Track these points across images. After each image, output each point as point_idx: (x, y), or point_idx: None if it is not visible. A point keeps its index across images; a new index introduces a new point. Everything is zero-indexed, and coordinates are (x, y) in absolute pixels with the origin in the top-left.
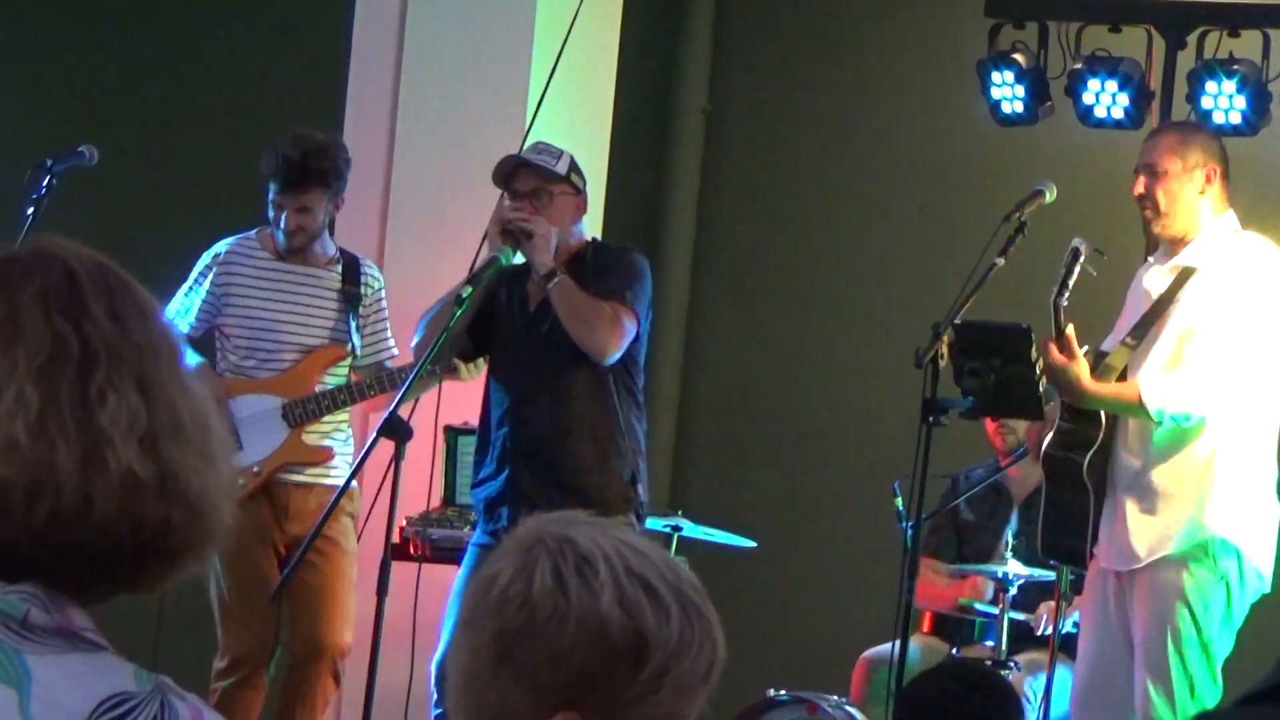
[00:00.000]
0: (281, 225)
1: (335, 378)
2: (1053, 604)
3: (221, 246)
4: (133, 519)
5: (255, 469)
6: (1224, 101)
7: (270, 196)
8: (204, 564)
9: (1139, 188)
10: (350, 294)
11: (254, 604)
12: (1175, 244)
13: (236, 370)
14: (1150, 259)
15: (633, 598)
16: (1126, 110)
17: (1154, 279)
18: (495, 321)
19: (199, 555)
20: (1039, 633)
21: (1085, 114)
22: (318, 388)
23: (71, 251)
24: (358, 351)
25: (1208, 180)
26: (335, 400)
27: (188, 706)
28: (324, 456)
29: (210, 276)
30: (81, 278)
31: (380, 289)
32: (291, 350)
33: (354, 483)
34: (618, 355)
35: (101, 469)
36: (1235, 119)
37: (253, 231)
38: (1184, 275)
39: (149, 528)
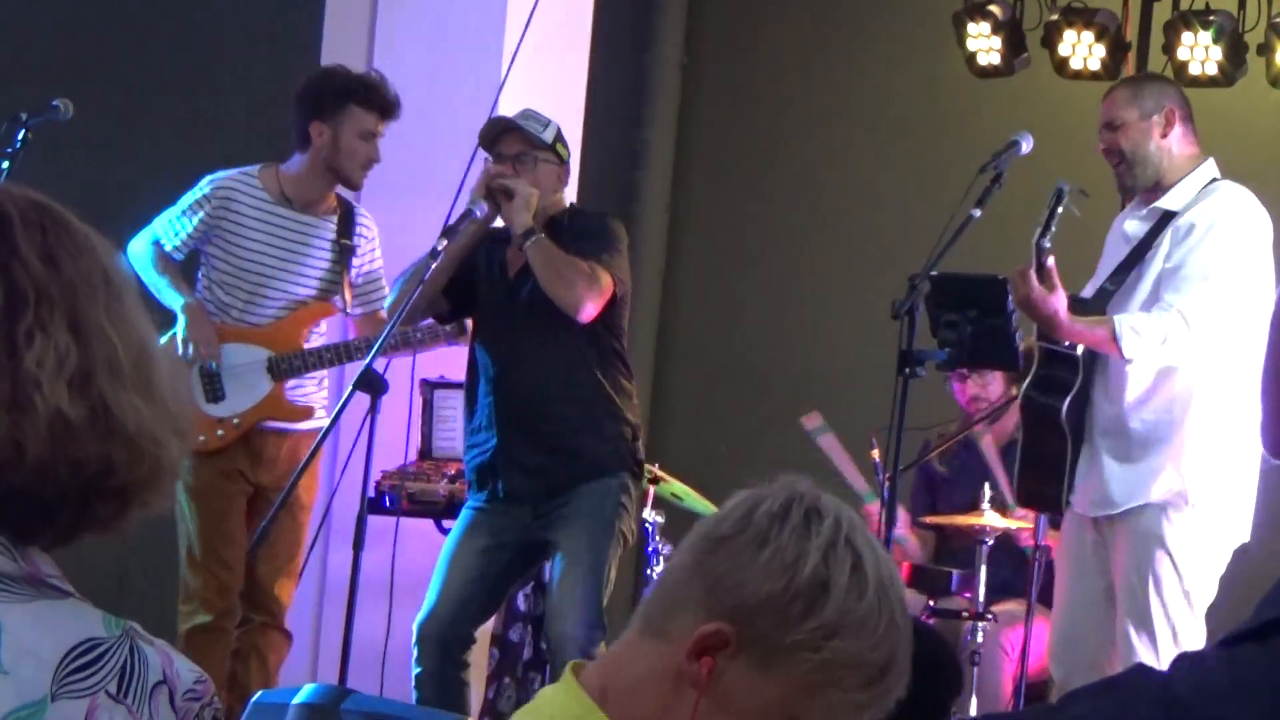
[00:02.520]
0: (373, 157)
1: (319, 332)
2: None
3: (222, 176)
4: (69, 461)
5: (235, 420)
6: (1200, 53)
7: (349, 124)
8: (164, 501)
9: (1102, 144)
10: (345, 247)
11: (221, 550)
12: (1154, 190)
13: (220, 307)
14: (1129, 206)
15: (839, 557)
16: (1103, 61)
17: (1133, 224)
18: (475, 288)
19: (154, 493)
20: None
21: (1061, 65)
22: (305, 344)
23: (6, 194)
24: (347, 309)
25: (1168, 123)
26: (322, 359)
27: (157, 651)
28: (303, 415)
29: (207, 208)
30: (13, 219)
31: (374, 237)
32: (280, 299)
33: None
34: (594, 311)
35: (29, 412)
36: (1211, 70)
37: (253, 167)
38: (1163, 219)
39: (89, 468)
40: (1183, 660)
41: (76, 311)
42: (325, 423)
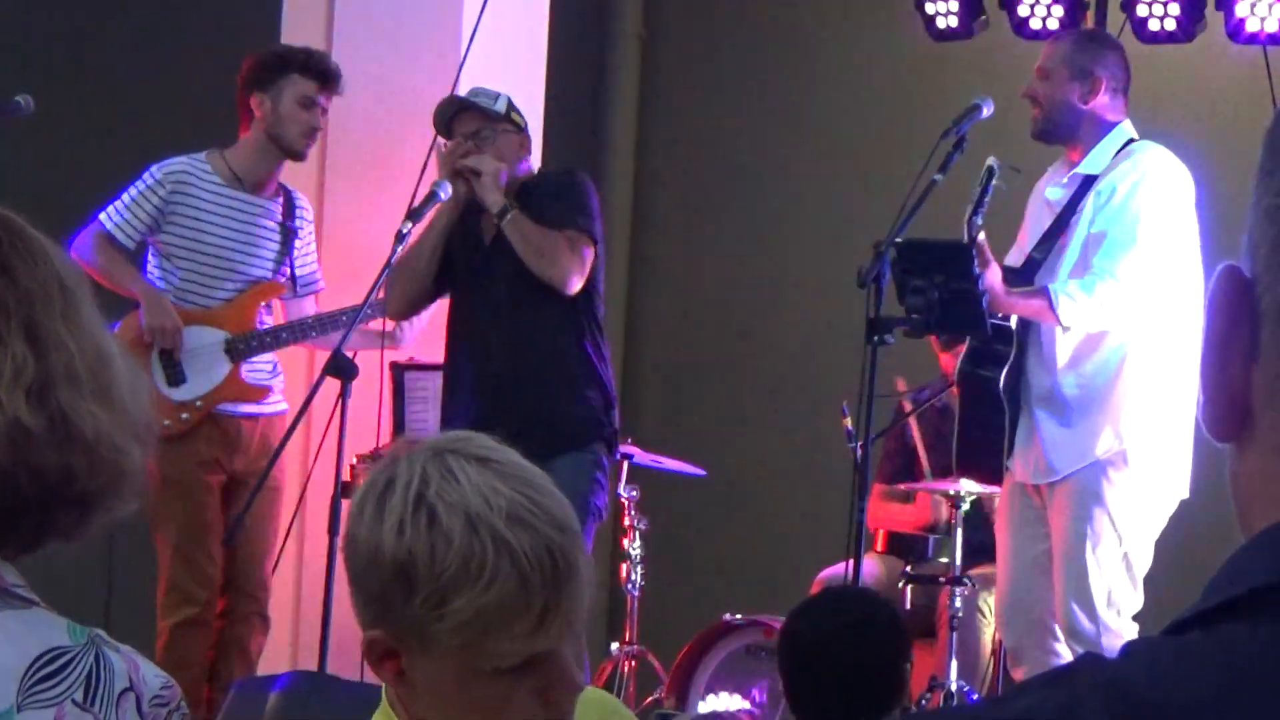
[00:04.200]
0: (314, 125)
1: (275, 315)
2: None
3: (170, 163)
4: (29, 469)
5: (198, 403)
6: (1159, 9)
7: (289, 93)
8: (128, 507)
9: (1027, 87)
10: (288, 229)
11: (198, 539)
12: (1069, 149)
13: (179, 293)
14: (1049, 170)
15: (414, 522)
16: (1062, 20)
17: (1055, 191)
18: (450, 260)
19: (117, 499)
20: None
21: (1020, 26)
22: (258, 324)
23: None
24: (297, 287)
25: (1093, 90)
26: (278, 338)
27: (123, 658)
28: (260, 394)
29: (160, 193)
30: None
31: (310, 222)
32: (235, 280)
33: (286, 408)
34: (579, 283)
35: None
36: (1170, 26)
37: (201, 154)
38: (1084, 185)
39: (49, 476)
40: (1132, 648)
41: (33, 321)
42: (285, 405)
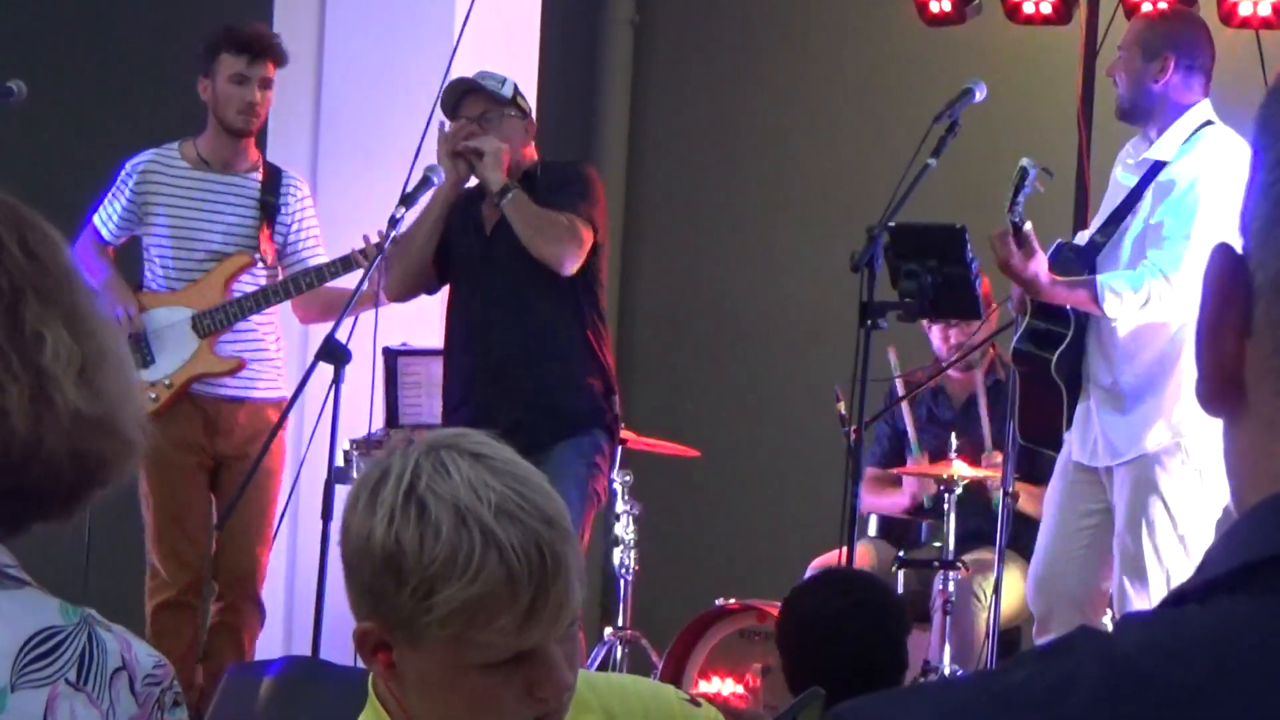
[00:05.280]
0: (249, 99)
1: (249, 288)
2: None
3: (139, 157)
4: (75, 456)
5: (167, 382)
6: None
7: (222, 73)
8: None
9: (1109, 66)
10: (268, 204)
11: (176, 521)
12: (1147, 127)
13: (167, 283)
14: (1129, 145)
15: (404, 514)
16: (1054, 6)
17: (1125, 173)
18: (451, 248)
19: (116, 484)
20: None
21: (1012, 11)
22: (229, 297)
23: None
24: (265, 260)
25: (1163, 70)
26: (243, 308)
27: (115, 638)
28: (235, 366)
29: (130, 185)
30: None
31: (304, 198)
32: (210, 260)
33: (286, 393)
34: (576, 265)
35: (50, 408)
36: (1163, 6)
37: (173, 143)
38: (1153, 170)
39: (89, 462)
40: (1127, 620)
41: (68, 307)
42: (282, 390)
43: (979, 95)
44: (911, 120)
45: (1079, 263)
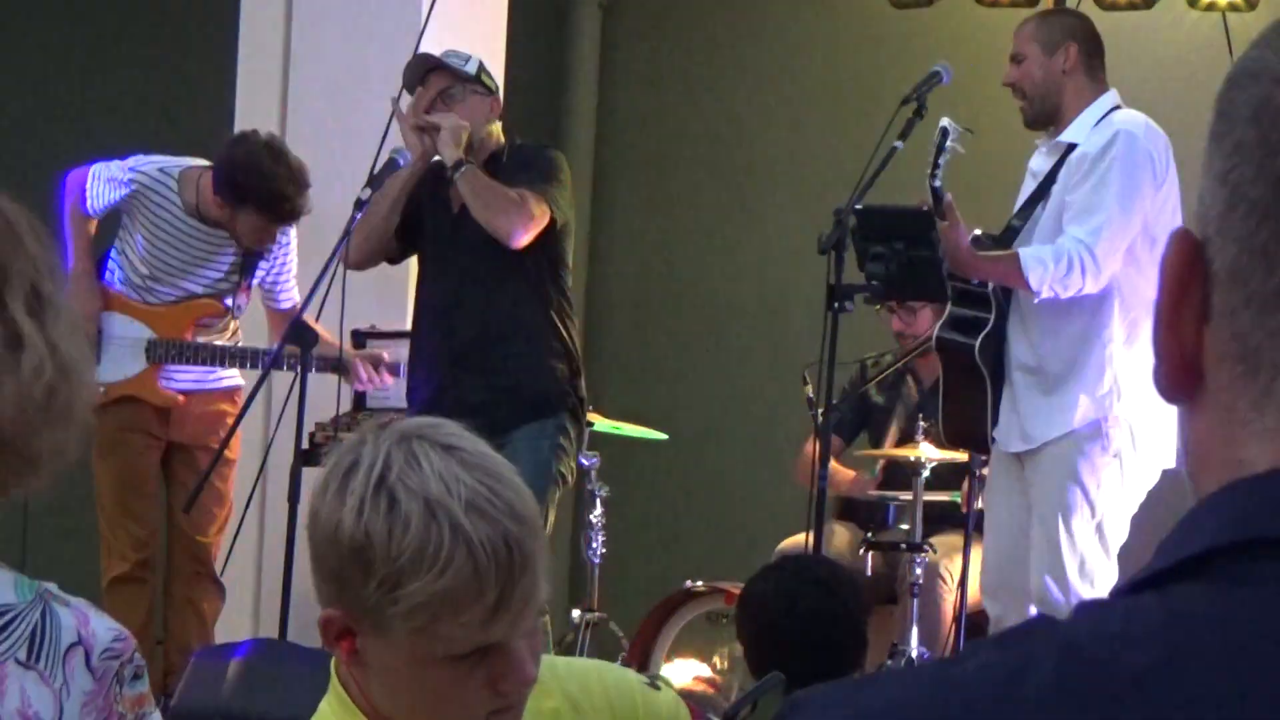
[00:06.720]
0: (264, 240)
1: (208, 331)
2: None
3: (145, 168)
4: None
5: (101, 389)
6: None
7: (244, 219)
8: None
9: (1007, 78)
10: (249, 256)
11: (130, 502)
12: (1056, 125)
13: (123, 276)
14: (1039, 142)
15: (374, 505)
16: None
17: (1039, 160)
18: (421, 224)
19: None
20: None
21: None
22: (190, 335)
23: None
24: (235, 312)
25: (1069, 59)
26: (198, 354)
27: (72, 612)
28: (169, 402)
29: (124, 191)
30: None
31: (286, 244)
32: (173, 293)
33: (240, 382)
34: (525, 238)
35: (73, 386)
36: None
37: (176, 167)
38: (1065, 153)
39: (66, 447)
40: (1084, 608)
41: (55, 300)
42: (237, 378)
43: (946, 78)
44: (879, 102)
45: (997, 249)
